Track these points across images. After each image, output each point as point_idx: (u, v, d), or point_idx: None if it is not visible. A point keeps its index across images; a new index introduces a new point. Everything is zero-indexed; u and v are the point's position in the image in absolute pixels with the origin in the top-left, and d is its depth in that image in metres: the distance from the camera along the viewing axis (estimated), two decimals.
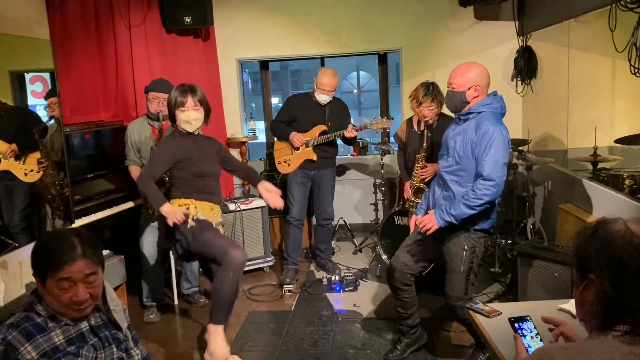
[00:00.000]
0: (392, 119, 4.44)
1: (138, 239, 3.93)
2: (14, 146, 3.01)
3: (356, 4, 5.52)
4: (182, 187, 3.17)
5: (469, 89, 2.82)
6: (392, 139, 4.98)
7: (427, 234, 2.91)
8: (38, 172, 3.20)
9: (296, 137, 4.39)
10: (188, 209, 3.11)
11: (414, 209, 3.75)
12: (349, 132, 4.27)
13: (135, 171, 3.88)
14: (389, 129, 4.46)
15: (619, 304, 1.19)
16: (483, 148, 2.73)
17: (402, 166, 4.28)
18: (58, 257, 1.63)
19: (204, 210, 3.18)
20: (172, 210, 3.00)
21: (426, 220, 2.90)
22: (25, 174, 3.10)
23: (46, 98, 3.51)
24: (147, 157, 3.82)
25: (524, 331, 1.73)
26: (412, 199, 3.93)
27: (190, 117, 3.10)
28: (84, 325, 1.74)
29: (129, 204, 4.16)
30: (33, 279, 1.71)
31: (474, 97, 2.83)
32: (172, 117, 3.16)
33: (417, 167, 3.90)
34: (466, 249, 2.89)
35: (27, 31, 3.19)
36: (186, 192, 3.17)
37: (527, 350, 1.61)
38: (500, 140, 2.73)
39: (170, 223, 2.99)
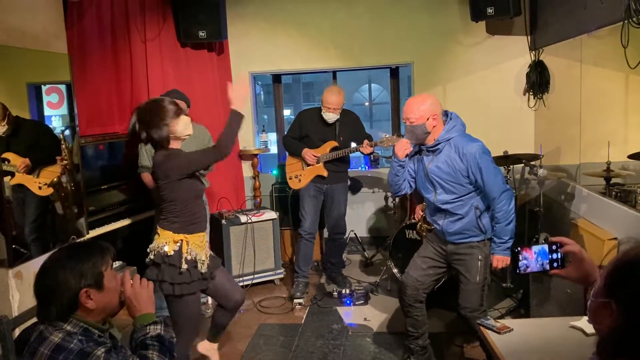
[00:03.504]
0: (403, 136, 4.42)
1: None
2: (27, 160, 3.04)
3: (368, 18, 5.55)
4: (178, 215, 2.70)
5: (428, 119, 2.91)
6: None
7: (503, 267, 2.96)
8: (49, 187, 3.23)
9: (308, 155, 4.40)
10: (180, 246, 2.70)
11: (425, 233, 3.86)
12: (365, 149, 4.27)
13: (148, 178, 3.86)
14: None
15: (628, 342, 1.14)
16: (478, 172, 2.85)
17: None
18: (98, 253, 1.72)
19: (195, 247, 2.76)
20: None
21: (499, 263, 2.92)
22: (40, 188, 3.14)
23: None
24: None
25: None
26: (422, 223, 3.97)
27: (188, 120, 2.75)
28: (108, 341, 1.73)
29: (142, 215, 4.20)
30: None
31: (434, 126, 2.93)
32: (165, 140, 2.67)
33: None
34: (480, 259, 2.94)
35: (45, 45, 3.25)
36: (181, 222, 2.72)
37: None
38: (485, 154, 2.87)
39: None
